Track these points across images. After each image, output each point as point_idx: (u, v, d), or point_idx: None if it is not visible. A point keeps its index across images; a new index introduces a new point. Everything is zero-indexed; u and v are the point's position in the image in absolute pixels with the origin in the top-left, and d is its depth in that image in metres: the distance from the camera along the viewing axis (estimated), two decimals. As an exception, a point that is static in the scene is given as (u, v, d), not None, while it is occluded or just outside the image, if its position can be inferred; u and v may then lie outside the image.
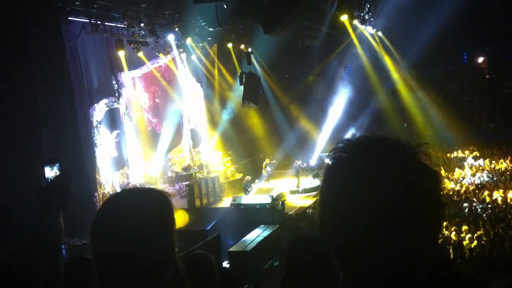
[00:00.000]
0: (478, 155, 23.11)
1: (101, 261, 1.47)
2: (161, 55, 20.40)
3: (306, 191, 20.40)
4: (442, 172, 18.95)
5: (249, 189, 20.09)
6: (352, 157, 1.12)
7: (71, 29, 15.77)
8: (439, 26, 24.67)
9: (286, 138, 26.45)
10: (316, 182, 20.79)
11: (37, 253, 1.71)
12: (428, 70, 28.44)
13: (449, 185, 17.24)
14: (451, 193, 15.85)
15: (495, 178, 18.14)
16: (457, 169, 20.32)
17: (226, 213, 16.90)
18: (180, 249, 1.54)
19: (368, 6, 20.84)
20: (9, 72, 12.33)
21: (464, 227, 11.54)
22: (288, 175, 23.54)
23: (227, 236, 14.78)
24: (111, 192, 15.79)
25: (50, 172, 1.82)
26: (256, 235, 13.41)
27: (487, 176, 18.66)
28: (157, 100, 21.09)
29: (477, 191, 16.13)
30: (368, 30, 23.96)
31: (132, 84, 19.35)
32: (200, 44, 22.04)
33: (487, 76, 31.34)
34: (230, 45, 22.54)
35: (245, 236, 13.54)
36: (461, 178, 18.95)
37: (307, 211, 16.60)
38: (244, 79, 20.76)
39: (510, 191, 15.06)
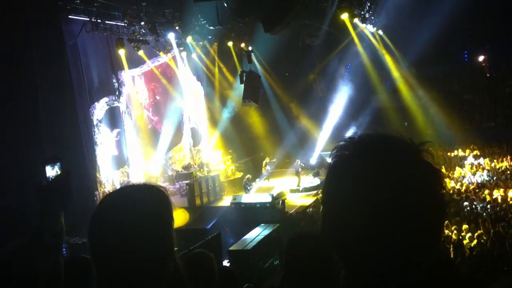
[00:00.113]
0: (478, 154, 23.09)
1: (100, 257, 1.46)
2: (161, 53, 20.40)
3: (306, 190, 20.41)
4: (443, 170, 18.93)
5: (249, 188, 20.10)
6: (354, 155, 1.12)
7: (71, 27, 15.76)
8: (439, 25, 24.66)
9: (287, 136, 26.45)
10: (316, 181, 20.80)
11: (38, 252, 1.72)
12: (429, 69, 28.42)
13: (449, 184, 17.23)
14: (451, 192, 15.84)
15: (495, 177, 18.14)
16: (457, 168, 20.33)
17: (226, 212, 16.90)
18: (180, 248, 1.54)
19: (369, 4, 20.83)
20: (10, 70, 12.33)
21: (465, 226, 11.54)
22: (288, 174, 23.56)
23: (227, 235, 14.78)
24: (111, 191, 15.79)
25: (51, 171, 1.81)
26: (257, 234, 13.40)
27: (487, 175, 18.66)
28: (157, 98, 21.09)
29: (477, 190, 16.14)
30: (368, 29, 23.95)
31: (132, 83, 19.34)
32: (201, 43, 22.04)
33: (488, 75, 31.31)
34: (230, 43, 22.54)
35: (245, 235, 13.54)
36: (461, 177, 18.96)
37: (308, 210, 16.61)
38: (244, 78, 20.77)
39: (511, 190, 15.06)
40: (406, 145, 1.12)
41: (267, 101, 26.87)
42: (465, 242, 10.65)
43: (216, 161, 23.26)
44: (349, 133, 21.22)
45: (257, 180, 22.45)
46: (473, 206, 13.92)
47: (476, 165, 20.75)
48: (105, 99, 17.50)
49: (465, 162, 21.83)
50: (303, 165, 22.97)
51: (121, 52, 17.84)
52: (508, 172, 18.49)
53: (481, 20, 28.35)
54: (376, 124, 25.51)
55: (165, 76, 21.60)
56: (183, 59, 22.11)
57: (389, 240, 1.04)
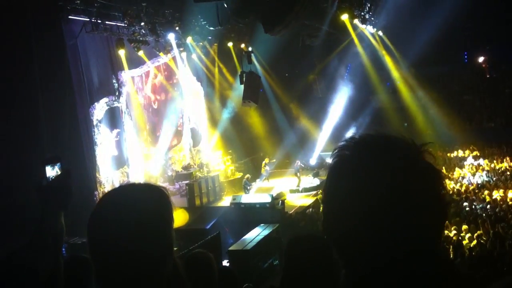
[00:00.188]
0: (478, 154, 23.11)
1: (99, 254, 1.46)
2: (161, 54, 20.39)
3: (306, 190, 20.40)
4: (443, 171, 18.93)
5: (249, 188, 20.10)
6: (356, 154, 1.12)
7: (71, 28, 15.76)
8: (439, 25, 24.69)
9: (286, 137, 26.46)
10: (316, 182, 20.80)
11: (38, 252, 1.72)
12: (429, 69, 28.43)
13: (449, 184, 17.24)
14: (451, 192, 15.86)
15: (495, 178, 18.15)
16: (457, 169, 20.35)
17: (226, 212, 16.91)
18: (180, 248, 1.54)
19: (369, 5, 20.84)
20: (10, 70, 12.32)
21: (464, 227, 11.55)
22: (288, 174, 23.56)
23: (227, 235, 14.79)
24: (112, 189, 15.77)
25: (52, 172, 1.81)
26: (256, 234, 13.41)
27: (486, 175, 18.68)
28: (157, 99, 21.09)
29: (477, 191, 16.15)
30: (368, 29, 23.96)
31: (132, 83, 19.34)
32: (201, 43, 22.03)
33: (488, 76, 31.34)
34: (230, 44, 22.54)
35: (245, 235, 13.55)
36: (461, 178, 18.97)
37: (307, 210, 16.61)
38: (244, 78, 20.76)
39: (510, 190, 15.08)
40: (408, 145, 1.13)
41: (267, 101, 26.87)
42: (464, 242, 10.65)
43: (216, 161, 23.26)
44: (349, 133, 21.23)
45: (257, 180, 22.46)
46: (473, 207, 13.94)
47: (475, 166, 20.77)
48: (105, 99, 17.50)
49: (465, 162, 21.85)
50: (303, 166, 22.97)
51: (121, 53, 17.83)
52: (508, 172, 18.52)
53: (481, 20, 28.38)
54: (376, 124, 25.50)
55: (165, 77, 21.61)
56: (183, 59, 22.11)
57: (389, 240, 1.05)
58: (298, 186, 20.86)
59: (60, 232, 1.78)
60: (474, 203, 14.30)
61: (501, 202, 14.17)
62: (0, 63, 12.01)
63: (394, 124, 26.95)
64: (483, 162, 21.30)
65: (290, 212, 16.77)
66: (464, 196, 15.47)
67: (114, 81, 18.20)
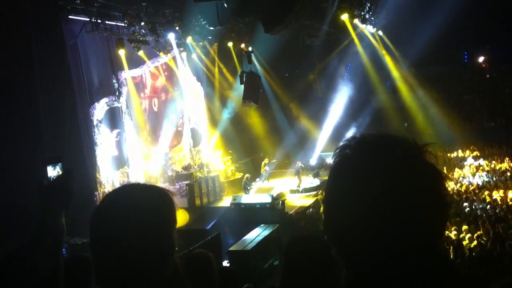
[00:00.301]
0: (478, 155, 23.11)
1: (100, 254, 1.46)
2: (161, 54, 20.39)
3: (306, 190, 20.41)
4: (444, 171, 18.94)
5: (249, 188, 20.11)
6: (357, 154, 1.12)
7: (71, 27, 15.75)
8: (439, 25, 24.70)
9: (287, 137, 26.47)
10: (316, 182, 20.80)
11: (39, 252, 1.72)
12: (429, 69, 28.46)
13: (449, 185, 17.20)
14: (451, 193, 15.85)
15: (495, 178, 18.15)
16: (457, 169, 20.34)
17: (226, 212, 16.92)
18: (180, 248, 1.54)
19: (369, 5, 20.83)
20: (10, 70, 12.32)
21: (464, 227, 11.55)
22: (288, 175, 23.56)
23: (227, 235, 14.80)
24: (115, 188, 15.76)
25: (53, 172, 1.82)
26: (256, 234, 13.42)
27: (487, 176, 18.68)
28: (157, 99, 21.09)
29: (477, 191, 16.15)
30: (368, 29, 23.96)
31: (132, 83, 19.34)
32: (201, 43, 22.03)
33: (488, 76, 31.33)
34: (230, 44, 22.54)
35: (245, 235, 13.56)
36: (461, 178, 18.97)
37: (307, 210, 16.61)
38: (244, 78, 20.76)
39: (510, 191, 15.08)
40: (410, 145, 1.12)
41: (267, 101, 26.88)
42: (464, 243, 10.65)
43: (216, 161, 23.26)
44: (349, 133, 21.22)
45: (257, 179, 22.48)
46: (473, 207, 13.94)
47: (476, 166, 20.76)
48: (105, 100, 17.49)
49: (465, 163, 21.84)
50: (303, 166, 22.97)
51: (121, 53, 17.83)
52: (508, 173, 18.51)
53: (481, 20, 28.36)
54: (376, 124, 25.55)
55: (165, 77, 21.61)
56: (183, 59, 22.11)
57: (390, 240, 1.04)
58: (298, 186, 20.86)
59: (60, 232, 1.78)
60: (474, 204, 14.31)
61: (501, 203, 14.17)
62: (0, 63, 12.00)
63: (394, 124, 26.97)
64: (483, 162, 21.30)
65: (290, 213, 16.78)
66: (464, 196, 15.47)
67: (114, 81, 18.19)
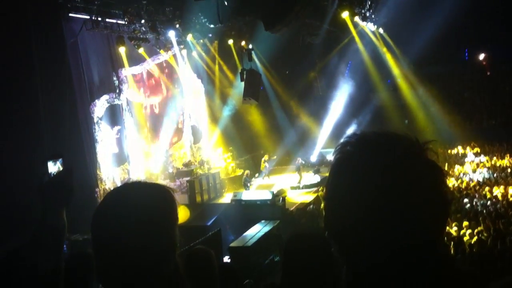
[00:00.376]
0: (479, 151, 23.09)
1: (101, 252, 1.46)
2: (161, 51, 20.38)
3: (306, 187, 20.40)
4: (444, 168, 18.94)
5: (249, 184, 20.12)
6: (358, 151, 1.12)
7: (71, 25, 15.76)
8: (440, 23, 24.62)
9: (287, 134, 26.46)
10: (317, 178, 20.80)
11: (40, 249, 1.72)
12: (429, 67, 28.44)
13: (450, 181, 17.24)
14: (452, 189, 15.86)
15: (495, 175, 18.15)
16: (457, 166, 20.34)
17: (226, 209, 16.94)
18: (181, 245, 1.55)
19: (369, 3, 20.79)
20: (10, 68, 12.32)
21: (465, 223, 11.55)
22: (288, 171, 23.56)
23: (227, 232, 14.82)
24: (112, 188, 15.78)
25: (53, 167, 1.82)
26: (257, 230, 13.44)
27: (487, 172, 18.68)
28: (158, 97, 21.09)
29: (477, 187, 16.15)
30: (369, 27, 23.90)
31: (133, 81, 19.35)
32: (201, 41, 22.01)
33: (488, 74, 31.27)
34: (231, 41, 22.50)
35: (245, 231, 13.57)
36: (462, 174, 18.97)
37: (308, 207, 16.62)
38: (245, 76, 20.73)
39: (511, 187, 15.08)
40: (411, 142, 1.13)
41: (267, 99, 26.86)
42: (465, 239, 10.65)
43: (217, 158, 23.27)
44: (350, 130, 21.22)
45: (257, 175, 22.50)
46: (474, 203, 13.94)
47: (476, 163, 20.76)
48: (105, 97, 17.51)
49: (466, 159, 21.83)
50: (304, 163, 22.97)
51: (122, 50, 17.83)
52: (509, 169, 18.51)
53: (482, 18, 28.31)
54: (377, 122, 25.53)
55: (166, 74, 21.61)
56: (184, 57, 22.11)
57: (390, 239, 1.05)
58: (299, 183, 20.86)
59: (61, 229, 1.79)
60: (475, 200, 14.30)
61: (502, 199, 14.18)
62: (1, 62, 12.00)
63: (395, 122, 26.94)
64: (484, 158, 21.29)
65: (291, 209, 16.77)
66: (464, 192, 15.47)
67: (114, 78, 18.20)
